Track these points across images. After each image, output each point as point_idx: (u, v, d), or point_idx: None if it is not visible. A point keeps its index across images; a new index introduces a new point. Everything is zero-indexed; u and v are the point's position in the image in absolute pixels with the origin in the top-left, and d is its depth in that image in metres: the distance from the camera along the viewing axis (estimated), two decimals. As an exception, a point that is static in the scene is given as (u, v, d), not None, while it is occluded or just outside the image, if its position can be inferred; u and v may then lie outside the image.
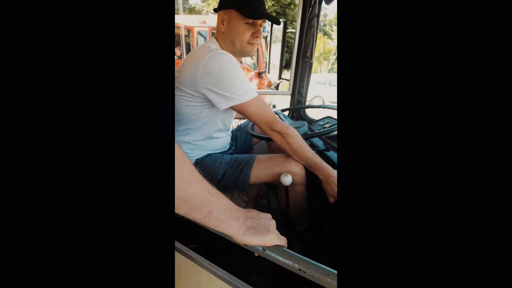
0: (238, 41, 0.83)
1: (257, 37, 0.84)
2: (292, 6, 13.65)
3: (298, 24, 1.25)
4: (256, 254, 0.40)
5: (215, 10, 0.86)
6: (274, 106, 1.44)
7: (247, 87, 0.77)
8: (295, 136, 0.80)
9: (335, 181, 0.79)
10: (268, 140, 1.07)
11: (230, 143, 1.10)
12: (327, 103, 8.04)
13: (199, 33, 4.38)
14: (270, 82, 4.67)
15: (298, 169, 0.87)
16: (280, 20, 1.29)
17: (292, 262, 0.35)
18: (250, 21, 0.81)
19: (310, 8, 1.19)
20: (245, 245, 0.39)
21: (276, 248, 0.37)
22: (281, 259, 0.36)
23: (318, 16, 1.21)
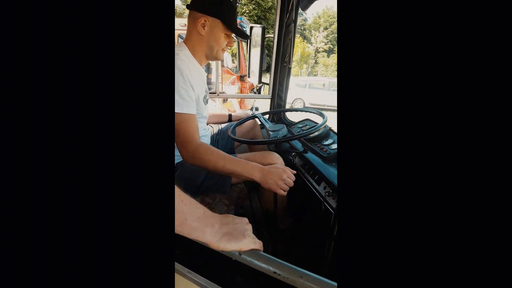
0: (216, 47, 0.89)
1: (230, 46, 0.92)
2: (273, 10, 13.86)
3: (276, 29, 1.28)
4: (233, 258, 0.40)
5: (189, 7, 0.85)
6: (257, 109, 1.46)
7: (180, 100, 0.77)
8: (209, 152, 0.78)
9: (270, 177, 0.77)
10: (250, 143, 1.08)
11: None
12: (307, 105, 8.21)
13: (179, 36, 4.32)
14: (252, 85, 4.69)
15: (279, 161, 0.89)
16: (259, 25, 1.31)
17: (267, 265, 0.35)
18: (229, 32, 0.87)
19: (288, 14, 1.22)
20: (222, 250, 0.39)
21: (251, 252, 0.38)
22: (256, 262, 0.36)
23: (295, 22, 1.25)
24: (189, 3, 0.86)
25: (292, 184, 0.80)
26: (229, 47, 0.91)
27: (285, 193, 0.79)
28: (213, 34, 0.85)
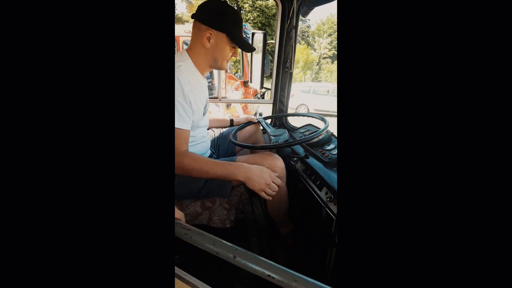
0: (220, 59, 0.89)
1: (235, 56, 0.92)
2: (277, 17, 14.03)
3: (277, 35, 1.29)
4: None
5: (194, 17, 0.85)
6: (260, 114, 1.47)
7: (176, 115, 0.78)
8: (193, 160, 0.80)
9: (254, 177, 0.79)
10: (251, 148, 1.08)
11: (211, 150, 1.10)
12: (311, 111, 8.21)
13: (184, 42, 4.40)
14: (256, 91, 4.73)
15: (279, 162, 0.89)
16: (261, 31, 1.33)
17: (261, 268, 0.35)
18: (234, 44, 0.87)
19: (288, 21, 1.24)
20: (217, 253, 0.39)
21: (245, 254, 0.37)
22: (250, 265, 0.36)
23: (296, 28, 1.26)
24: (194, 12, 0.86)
25: (276, 189, 0.81)
26: (233, 56, 0.91)
27: (269, 198, 0.81)
28: (219, 47, 0.86)
